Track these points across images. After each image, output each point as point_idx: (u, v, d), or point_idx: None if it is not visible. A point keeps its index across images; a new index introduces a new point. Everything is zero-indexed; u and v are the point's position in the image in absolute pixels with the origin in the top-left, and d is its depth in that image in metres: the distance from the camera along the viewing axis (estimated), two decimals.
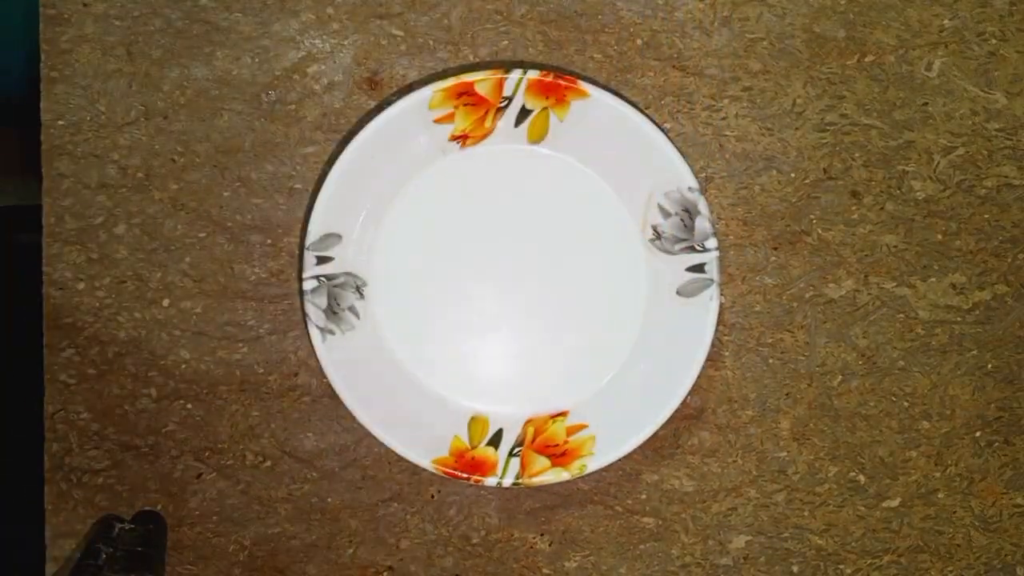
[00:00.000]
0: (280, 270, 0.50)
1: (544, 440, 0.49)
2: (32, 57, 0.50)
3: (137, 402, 0.50)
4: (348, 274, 0.49)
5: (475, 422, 0.50)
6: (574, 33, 0.50)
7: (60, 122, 0.49)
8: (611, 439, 0.49)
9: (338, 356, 0.48)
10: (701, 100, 0.51)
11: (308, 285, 0.48)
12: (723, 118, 0.51)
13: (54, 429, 0.50)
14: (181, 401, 0.50)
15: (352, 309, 0.49)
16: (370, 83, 0.50)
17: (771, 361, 0.51)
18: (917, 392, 0.51)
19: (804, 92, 0.51)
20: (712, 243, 0.48)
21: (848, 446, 0.51)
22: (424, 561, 0.51)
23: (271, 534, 0.51)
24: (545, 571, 0.51)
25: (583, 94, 0.47)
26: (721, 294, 0.49)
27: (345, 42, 0.50)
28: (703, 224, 0.48)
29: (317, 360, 0.48)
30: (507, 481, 0.48)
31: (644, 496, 0.51)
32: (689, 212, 0.48)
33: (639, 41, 0.50)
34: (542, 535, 0.51)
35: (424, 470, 0.49)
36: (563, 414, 0.50)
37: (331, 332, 0.48)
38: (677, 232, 0.49)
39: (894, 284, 0.51)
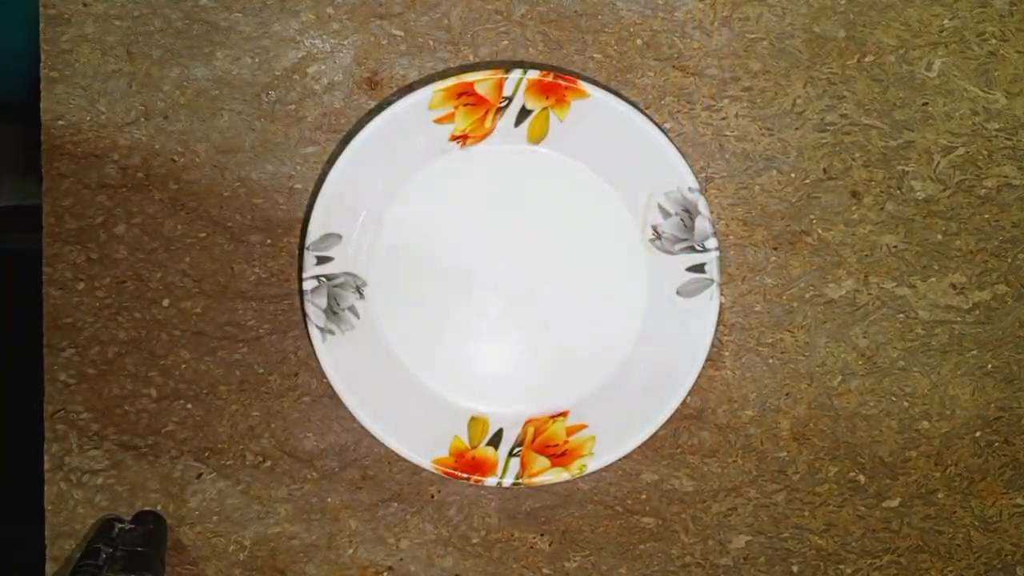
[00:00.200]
0: (280, 270, 0.50)
1: (544, 440, 0.49)
2: (32, 57, 0.50)
3: (137, 402, 0.50)
4: (348, 274, 0.49)
5: (475, 422, 0.50)
6: (574, 33, 0.50)
7: (60, 122, 0.49)
8: (611, 439, 0.49)
9: (338, 356, 0.48)
10: (701, 100, 0.51)
11: (308, 285, 0.48)
12: (723, 118, 0.51)
13: (54, 429, 0.50)
14: (181, 401, 0.50)
15: (352, 309, 0.49)
16: (370, 83, 0.50)
17: (771, 361, 0.51)
18: (917, 392, 0.51)
19: (804, 92, 0.51)
20: (712, 243, 0.48)
21: (848, 446, 0.51)
22: (424, 561, 0.51)
23: (271, 534, 0.51)
24: (545, 571, 0.51)
25: (583, 94, 0.47)
26: (721, 294, 0.49)
27: (345, 42, 0.50)
28: (703, 224, 0.48)
29: (317, 360, 0.48)
30: (507, 481, 0.48)
31: (644, 496, 0.51)
32: (689, 212, 0.48)
33: (639, 41, 0.50)
34: (542, 535, 0.51)
35: (424, 470, 0.49)
36: (563, 414, 0.50)
37: (331, 332, 0.48)
38: (677, 232, 0.49)
39: (894, 284, 0.51)
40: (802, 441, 0.51)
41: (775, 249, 0.51)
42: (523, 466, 0.49)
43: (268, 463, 0.51)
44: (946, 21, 0.51)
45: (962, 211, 0.51)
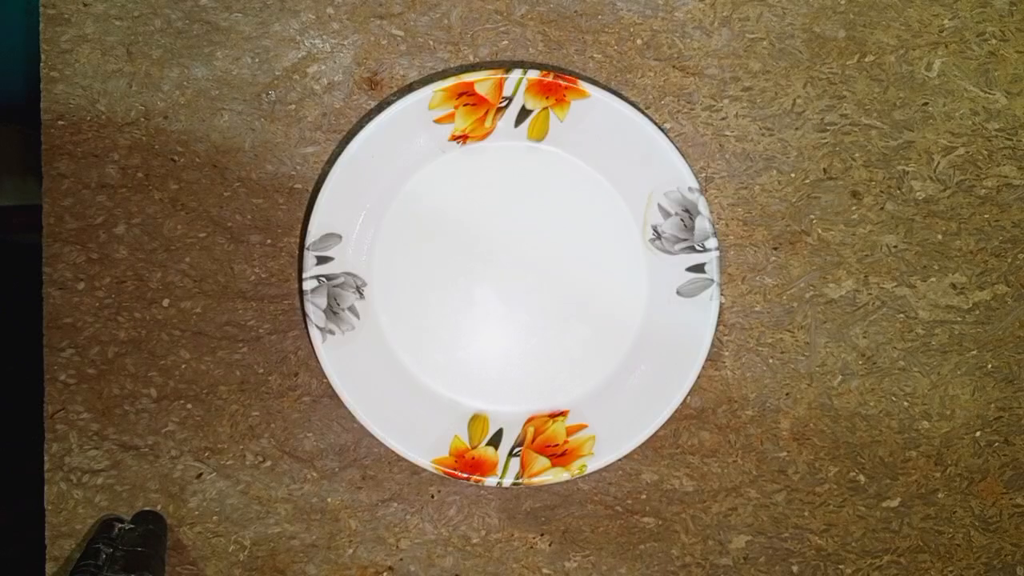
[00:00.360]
0: (280, 270, 0.50)
1: (544, 440, 0.49)
2: (32, 57, 0.50)
3: (137, 402, 0.50)
4: (348, 274, 0.49)
5: (475, 422, 0.50)
6: (574, 33, 0.50)
7: (60, 122, 0.49)
8: (611, 439, 0.49)
9: (338, 356, 0.48)
10: (701, 100, 0.51)
11: (308, 285, 0.48)
12: (723, 118, 0.51)
13: (54, 429, 0.50)
14: (181, 401, 0.50)
15: (352, 309, 0.49)
16: (370, 83, 0.50)
17: (771, 361, 0.51)
18: (917, 392, 0.51)
19: (804, 92, 0.51)
20: (712, 243, 0.48)
21: (848, 446, 0.51)
22: (424, 561, 0.51)
23: (271, 534, 0.51)
24: (545, 571, 0.51)
25: (583, 94, 0.47)
26: (721, 294, 0.49)
27: (345, 42, 0.50)
28: (703, 224, 0.48)
29: (317, 360, 0.48)
30: (507, 481, 0.48)
31: (644, 496, 0.51)
32: (689, 212, 0.48)
33: (639, 41, 0.50)
34: (542, 535, 0.51)
35: (424, 470, 0.49)
36: (563, 414, 0.50)
37: (331, 332, 0.48)
38: (677, 232, 0.49)
39: (894, 284, 0.51)
40: (802, 441, 0.51)
41: (775, 249, 0.51)
42: (523, 466, 0.49)
43: (268, 463, 0.51)
44: (946, 21, 0.51)
45: (962, 211, 0.51)
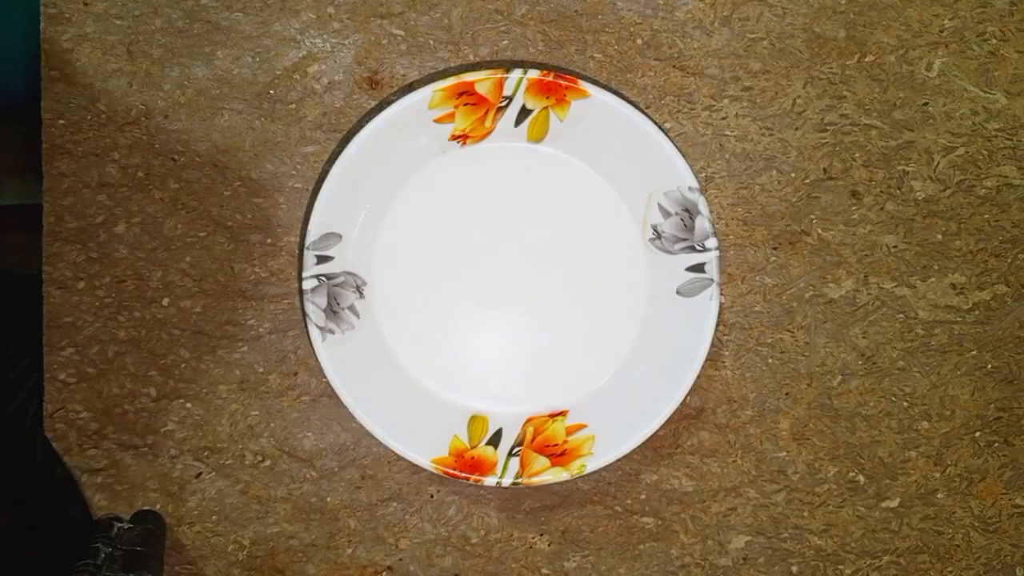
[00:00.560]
0: (280, 269, 0.50)
1: (544, 440, 0.49)
2: (33, 56, 0.50)
3: (137, 401, 0.50)
4: (348, 273, 0.49)
5: (475, 422, 0.50)
6: (574, 33, 0.50)
7: (61, 121, 0.50)
8: (611, 439, 0.49)
9: (338, 356, 0.48)
10: (701, 100, 0.51)
11: (308, 284, 0.48)
12: (723, 118, 0.51)
13: (54, 428, 0.50)
14: (180, 400, 0.50)
15: (352, 308, 0.49)
16: (370, 82, 0.50)
17: (771, 361, 0.51)
18: (917, 392, 0.51)
19: (804, 92, 0.51)
20: (712, 243, 0.48)
21: (848, 446, 0.51)
22: (423, 561, 0.51)
23: (270, 533, 0.51)
24: (544, 571, 0.51)
25: (583, 94, 0.47)
26: (721, 294, 0.49)
27: (346, 41, 0.50)
28: (703, 224, 0.48)
29: (317, 360, 0.48)
30: (507, 481, 0.48)
31: (644, 496, 0.51)
32: (689, 212, 0.48)
33: (639, 41, 0.50)
34: (542, 535, 0.51)
35: (423, 470, 0.49)
36: (563, 414, 0.50)
37: (331, 331, 0.48)
38: (677, 232, 0.49)
39: (894, 284, 0.51)
40: (802, 441, 0.51)
41: (775, 249, 0.51)
42: (523, 466, 0.49)
43: (267, 462, 0.51)
44: (946, 21, 0.51)
45: (962, 211, 0.51)
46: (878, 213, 0.51)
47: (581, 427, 0.49)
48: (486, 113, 0.49)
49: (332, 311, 0.49)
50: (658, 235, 0.49)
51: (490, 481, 0.48)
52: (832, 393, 0.51)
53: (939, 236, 0.51)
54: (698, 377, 0.48)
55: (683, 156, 0.48)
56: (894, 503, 0.52)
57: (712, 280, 0.48)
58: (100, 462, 0.50)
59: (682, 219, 0.49)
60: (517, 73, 0.47)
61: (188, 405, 0.50)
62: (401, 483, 0.51)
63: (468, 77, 0.47)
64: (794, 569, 0.52)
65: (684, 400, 0.48)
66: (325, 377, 0.48)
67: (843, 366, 0.51)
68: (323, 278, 0.49)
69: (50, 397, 0.50)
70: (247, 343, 0.50)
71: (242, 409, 0.50)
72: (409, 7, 0.50)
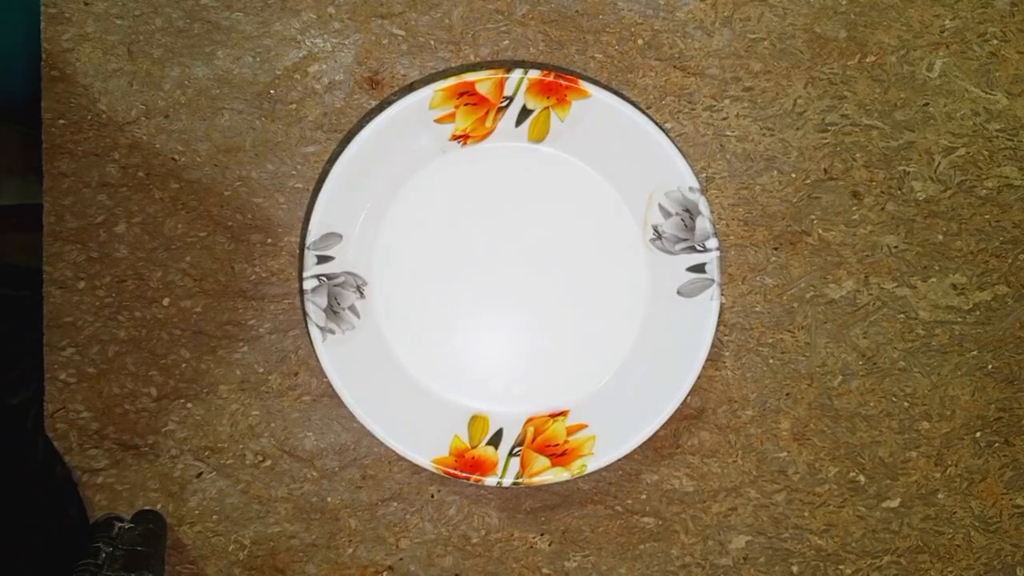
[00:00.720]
0: (280, 269, 0.50)
1: (544, 440, 0.49)
2: (33, 56, 0.50)
3: (137, 401, 0.50)
4: (348, 273, 0.49)
5: (475, 421, 0.50)
6: (575, 33, 0.50)
7: (61, 121, 0.49)
8: (611, 439, 0.49)
9: (338, 355, 0.48)
10: (702, 100, 0.51)
11: (308, 284, 0.48)
12: (724, 118, 0.51)
13: (54, 429, 0.50)
14: (181, 400, 0.50)
15: (352, 308, 0.49)
16: (371, 82, 0.50)
17: (771, 361, 0.51)
18: (917, 392, 0.51)
19: (805, 92, 0.51)
20: (713, 243, 0.48)
21: (848, 446, 0.51)
22: (424, 561, 0.51)
23: (271, 533, 0.51)
24: (545, 571, 0.51)
25: (584, 94, 0.47)
26: (721, 294, 0.49)
27: (346, 41, 0.50)
28: (704, 224, 0.48)
29: (317, 360, 0.48)
30: (507, 481, 0.48)
31: (644, 496, 0.51)
32: (690, 212, 0.48)
33: (640, 41, 0.50)
34: (542, 535, 0.51)
35: (424, 470, 0.49)
36: (563, 414, 0.50)
37: (331, 331, 0.48)
38: (678, 232, 0.49)
39: (894, 284, 0.51)
40: (802, 441, 0.51)
41: (776, 249, 0.51)
42: (523, 466, 0.49)
43: (268, 462, 0.51)
44: (947, 21, 0.51)
45: (963, 212, 0.51)
46: (879, 213, 0.51)
47: (582, 427, 0.49)
48: (487, 113, 0.49)
49: (333, 311, 0.49)
50: (659, 235, 0.49)
51: (491, 481, 0.48)
52: (833, 393, 0.51)
53: (940, 236, 0.51)
54: (699, 377, 0.48)
55: (684, 156, 0.48)
56: (895, 503, 0.52)
57: (713, 280, 0.48)
58: (101, 462, 0.50)
59: (683, 219, 0.49)
60: (518, 73, 0.47)
61: (189, 405, 0.50)
62: (402, 483, 0.51)
63: (469, 77, 0.47)
64: (795, 569, 0.52)
65: (685, 400, 0.48)
66: (326, 377, 0.48)
67: (844, 366, 0.51)
68: (323, 278, 0.49)
69: (51, 397, 0.50)
70: (248, 343, 0.50)
71: (243, 409, 0.50)
72: (410, 7, 0.50)
